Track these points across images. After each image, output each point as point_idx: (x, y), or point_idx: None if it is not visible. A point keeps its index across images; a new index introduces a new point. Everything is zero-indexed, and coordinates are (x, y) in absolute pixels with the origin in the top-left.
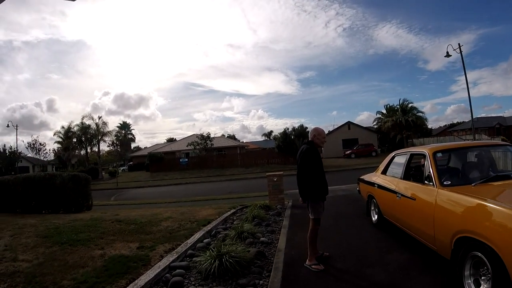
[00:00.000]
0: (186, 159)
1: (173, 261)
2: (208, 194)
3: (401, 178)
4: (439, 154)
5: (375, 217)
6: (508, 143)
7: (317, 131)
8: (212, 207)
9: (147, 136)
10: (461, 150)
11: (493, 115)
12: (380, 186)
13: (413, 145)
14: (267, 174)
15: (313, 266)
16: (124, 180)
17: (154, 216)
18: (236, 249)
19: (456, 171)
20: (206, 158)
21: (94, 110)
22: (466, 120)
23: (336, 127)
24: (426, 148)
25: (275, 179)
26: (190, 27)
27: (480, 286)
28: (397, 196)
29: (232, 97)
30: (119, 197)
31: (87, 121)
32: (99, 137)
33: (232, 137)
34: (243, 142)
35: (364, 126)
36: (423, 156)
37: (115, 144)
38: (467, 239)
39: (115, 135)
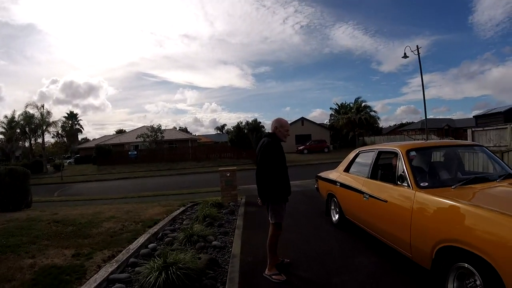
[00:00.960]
0: (135, 152)
1: (112, 273)
2: (157, 190)
3: (368, 177)
4: (413, 153)
5: (335, 217)
6: (481, 144)
7: (280, 122)
8: (160, 204)
9: (96, 127)
10: (436, 149)
11: (441, 117)
12: (343, 185)
13: (364, 142)
14: (219, 169)
15: (273, 277)
16: (70, 173)
17: (95, 215)
18: (184, 258)
19: (431, 172)
20: (156, 151)
21: (42, 99)
22: (415, 121)
23: (289, 122)
24: (397, 145)
25: (228, 175)
26: (145, 15)
27: None
28: (364, 197)
29: (185, 89)
30: (63, 193)
31: (31, 110)
32: (44, 128)
33: (184, 130)
34: (195, 135)
35: (317, 122)
36: (395, 154)
37: (60, 135)
38: (453, 248)
39: (62, 126)
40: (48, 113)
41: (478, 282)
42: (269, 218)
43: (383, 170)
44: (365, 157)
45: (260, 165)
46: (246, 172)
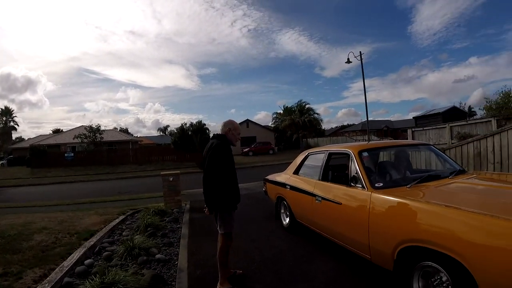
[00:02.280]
0: (72, 154)
1: None
2: (95, 196)
3: (319, 180)
4: (365, 154)
5: (286, 221)
6: (430, 143)
7: (234, 125)
8: (98, 212)
9: (32, 126)
10: (387, 149)
11: (380, 118)
12: (293, 188)
13: (307, 144)
14: (162, 173)
15: None
16: (1, 176)
17: (26, 226)
18: (125, 276)
19: (384, 172)
20: (94, 153)
21: None
22: (356, 123)
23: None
24: (349, 146)
25: (171, 179)
26: (91, 7)
27: None
28: (316, 199)
29: (128, 88)
30: None
31: None
32: None
33: (125, 131)
34: (136, 136)
35: (262, 124)
36: (346, 155)
37: None
38: (416, 248)
39: None
40: None
41: (444, 279)
42: (218, 228)
43: (335, 171)
44: (315, 159)
45: (209, 170)
46: (190, 175)
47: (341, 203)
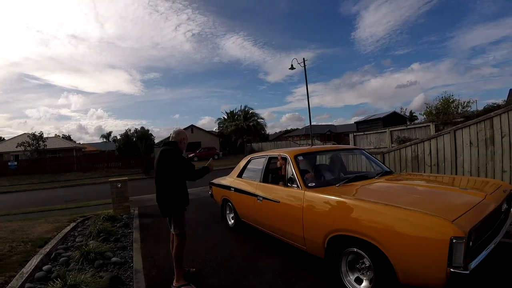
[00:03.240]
0: (16, 163)
1: None
2: (42, 204)
3: (260, 181)
4: (300, 157)
5: (231, 221)
6: (361, 148)
7: (186, 135)
8: (47, 221)
9: None
10: (320, 154)
11: (323, 123)
12: (237, 190)
13: (252, 149)
14: (110, 180)
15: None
16: None
17: None
18: (86, 278)
19: (317, 173)
20: (38, 161)
21: None
22: (300, 127)
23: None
24: (286, 151)
25: (119, 186)
26: (32, 11)
27: (362, 281)
28: (258, 199)
29: (70, 94)
30: None
31: None
32: None
33: (67, 138)
34: (79, 143)
35: (207, 130)
36: (284, 159)
37: None
38: (342, 237)
39: None
40: None
41: (367, 263)
42: (172, 230)
43: (274, 174)
44: (257, 163)
45: (164, 175)
46: (137, 181)
47: (279, 202)
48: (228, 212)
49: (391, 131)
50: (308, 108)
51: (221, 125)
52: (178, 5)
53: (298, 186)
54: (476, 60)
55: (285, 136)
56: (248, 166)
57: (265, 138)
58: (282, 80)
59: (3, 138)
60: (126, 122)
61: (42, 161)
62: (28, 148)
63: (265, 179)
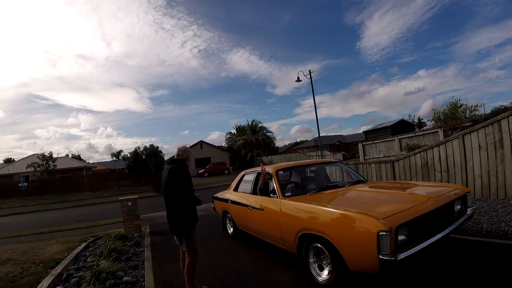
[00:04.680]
0: (26, 184)
1: None
2: (53, 225)
3: (250, 193)
4: (281, 172)
5: (231, 230)
6: (338, 160)
7: (191, 152)
8: (59, 241)
9: None
10: (298, 168)
11: (333, 134)
12: (233, 202)
13: (262, 162)
14: (120, 198)
15: None
16: None
17: None
18: None
19: (297, 184)
20: (48, 181)
21: None
22: (309, 139)
23: (188, 146)
24: (270, 167)
25: (130, 204)
26: (39, 31)
27: (323, 269)
28: (248, 209)
29: (79, 113)
30: None
31: None
32: None
33: (77, 158)
34: (89, 162)
35: (216, 145)
36: (268, 173)
37: None
38: (308, 235)
39: None
40: None
41: (328, 257)
42: (183, 247)
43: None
44: (248, 177)
45: (176, 193)
46: (147, 199)
47: (263, 209)
48: (228, 222)
49: (399, 138)
50: (316, 120)
51: (230, 140)
52: (184, 22)
53: (277, 196)
54: (482, 64)
55: (295, 149)
56: (242, 181)
57: (275, 151)
58: (289, 92)
59: (13, 159)
60: (136, 140)
61: (52, 181)
62: (38, 169)
63: (254, 191)
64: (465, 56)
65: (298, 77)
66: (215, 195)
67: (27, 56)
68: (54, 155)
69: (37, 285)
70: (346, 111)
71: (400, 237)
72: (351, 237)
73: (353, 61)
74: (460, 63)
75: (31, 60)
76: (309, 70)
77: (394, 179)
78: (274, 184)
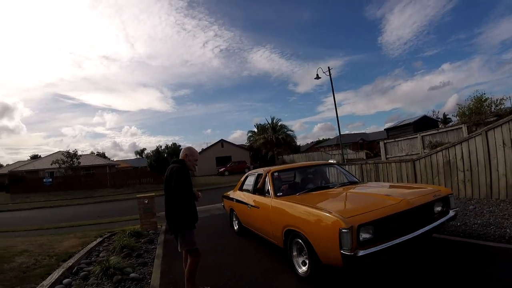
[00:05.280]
0: (50, 179)
1: None
2: (74, 220)
3: (251, 193)
4: (276, 174)
5: (236, 227)
6: (334, 163)
7: (191, 151)
8: (76, 236)
9: (10, 152)
10: (294, 170)
11: (356, 131)
12: (237, 200)
13: (283, 161)
14: (137, 196)
15: None
16: None
17: (7, 249)
18: None
19: (291, 185)
20: (72, 178)
21: None
22: (332, 137)
23: (209, 145)
24: (267, 169)
25: (147, 201)
26: (64, 34)
27: (304, 263)
28: (248, 207)
29: (104, 112)
30: None
31: None
32: None
33: (101, 155)
34: (113, 160)
35: (237, 144)
36: (265, 175)
37: None
38: (291, 231)
39: None
40: None
41: (305, 250)
42: (180, 247)
43: (260, 186)
44: (251, 178)
45: (173, 192)
46: None
47: (259, 207)
48: (234, 219)
49: (422, 136)
50: (336, 117)
51: (251, 139)
52: (205, 22)
53: (270, 195)
54: (507, 55)
55: (317, 147)
56: (245, 181)
57: (296, 149)
58: (312, 90)
59: (39, 155)
60: (160, 139)
61: (76, 177)
62: (63, 165)
63: (254, 191)
64: (489, 48)
65: (317, 75)
66: (224, 194)
67: (53, 58)
68: (80, 153)
69: (47, 277)
70: (369, 108)
71: (364, 235)
72: (320, 233)
73: (375, 57)
74: (485, 55)
75: (57, 62)
76: (328, 67)
77: (415, 179)
78: (268, 185)
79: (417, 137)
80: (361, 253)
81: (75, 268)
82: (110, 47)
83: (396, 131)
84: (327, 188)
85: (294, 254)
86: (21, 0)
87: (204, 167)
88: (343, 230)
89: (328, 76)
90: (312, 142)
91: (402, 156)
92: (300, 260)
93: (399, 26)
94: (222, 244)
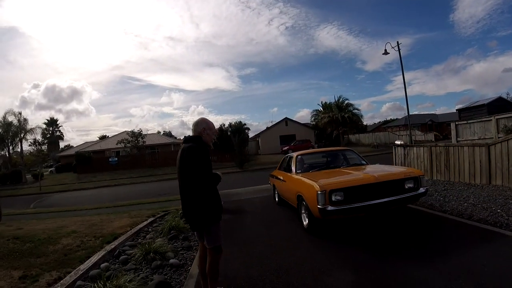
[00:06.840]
0: (116, 159)
1: None
2: (135, 198)
3: (284, 171)
4: (299, 157)
5: (277, 199)
6: (348, 148)
7: (208, 124)
8: (130, 215)
9: (80, 134)
10: (316, 154)
11: (425, 112)
12: (276, 177)
13: (349, 140)
14: None
15: None
16: (49, 183)
17: (57, 230)
18: (130, 281)
19: (309, 165)
20: (137, 157)
21: (23, 104)
22: (400, 117)
23: (273, 123)
24: (294, 153)
25: None
26: (129, 17)
27: (307, 219)
28: (281, 181)
29: (171, 92)
30: (40, 204)
31: (10, 117)
32: (21, 135)
33: (168, 134)
34: (179, 139)
35: (302, 122)
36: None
37: (38, 143)
38: (300, 195)
39: (42, 133)
40: (25, 120)
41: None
42: (206, 244)
43: (289, 166)
44: (286, 159)
45: (191, 179)
46: (229, 175)
47: (285, 181)
48: (276, 193)
49: (497, 119)
50: (405, 96)
51: (316, 117)
52: (269, 0)
53: (294, 172)
54: None
55: (384, 127)
56: (282, 162)
57: (363, 129)
58: (380, 68)
59: (107, 136)
60: (226, 117)
61: (141, 156)
62: (128, 145)
63: (285, 170)
64: None
65: (385, 50)
66: (271, 173)
67: (119, 41)
68: (148, 132)
69: (86, 260)
70: (440, 89)
71: (336, 197)
72: (310, 195)
73: (446, 35)
74: None
75: (123, 45)
76: (397, 42)
77: (489, 166)
78: (293, 165)
79: (491, 119)
80: (329, 208)
81: (117, 251)
82: (175, 28)
83: (468, 113)
84: (334, 168)
85: (302, 211)
86: None
87: (268, 145)
88: (318, 193)
89: (398, 54)
90: (380, 122)
91: (474, 139)
92: (304, 215)
93: (472, 3)
94: (266, 210)
